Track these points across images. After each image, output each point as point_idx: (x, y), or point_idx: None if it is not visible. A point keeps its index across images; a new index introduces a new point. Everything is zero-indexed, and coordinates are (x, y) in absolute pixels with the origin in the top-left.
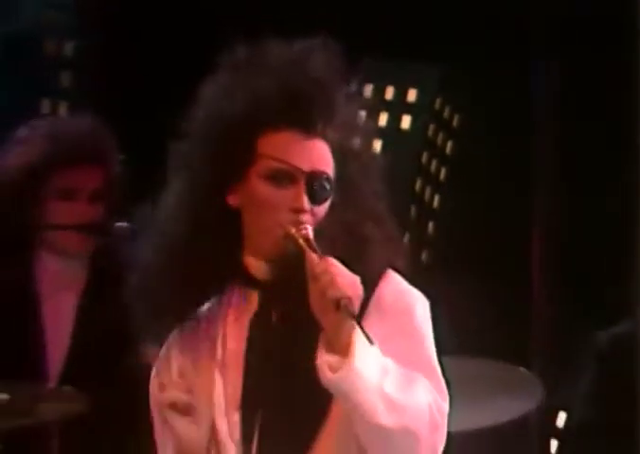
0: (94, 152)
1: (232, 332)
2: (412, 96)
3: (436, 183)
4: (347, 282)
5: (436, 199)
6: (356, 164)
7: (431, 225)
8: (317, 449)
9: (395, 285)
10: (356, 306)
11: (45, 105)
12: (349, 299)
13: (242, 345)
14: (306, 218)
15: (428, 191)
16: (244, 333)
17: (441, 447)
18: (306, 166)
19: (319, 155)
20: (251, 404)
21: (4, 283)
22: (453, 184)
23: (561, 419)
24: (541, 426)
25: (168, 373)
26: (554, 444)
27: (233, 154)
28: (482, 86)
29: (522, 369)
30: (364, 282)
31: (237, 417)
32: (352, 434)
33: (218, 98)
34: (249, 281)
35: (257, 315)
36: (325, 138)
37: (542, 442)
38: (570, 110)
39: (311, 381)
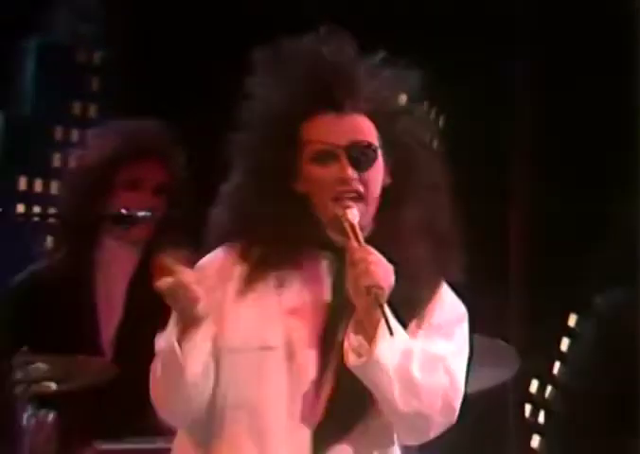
0: (158, 148)
1: (310, 287)
2: (402, 100)
3: None
4: (382, 272)
5: None
6: (400, 123)
7: None
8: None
9: (448, 296)
10: (386, 296)
11: (76, 107)
12: (381, 288)
13: (324, 295)
14: (355, 186)
15: None
16: (324, 288)
17: (453, 420)
18: (343, 141)
19: (354, 128)
20: (330, 340)
21: (66, 264)
22: None
23: (534, 386)
24: (516, 392)
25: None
26: (528, 408)
27: (282, 146)
28: (464, 93)
29: (499, 341)
30: (419, 288)
31: (314, 353)
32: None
33: (259, 99)
34: (325, 248)
35: (335, 280)
36: (359, 111)
37: (517, 407)
38: (541, 109)
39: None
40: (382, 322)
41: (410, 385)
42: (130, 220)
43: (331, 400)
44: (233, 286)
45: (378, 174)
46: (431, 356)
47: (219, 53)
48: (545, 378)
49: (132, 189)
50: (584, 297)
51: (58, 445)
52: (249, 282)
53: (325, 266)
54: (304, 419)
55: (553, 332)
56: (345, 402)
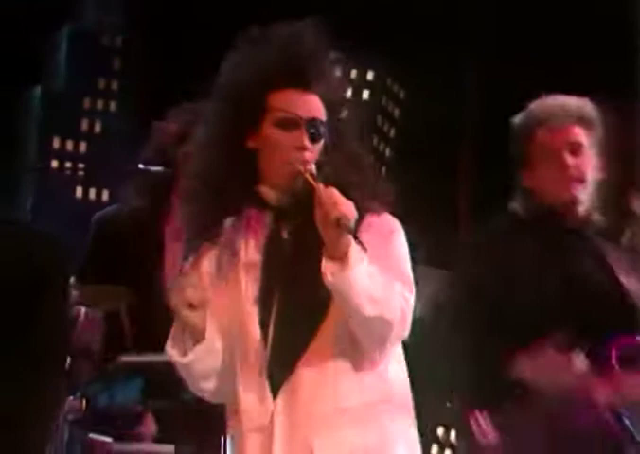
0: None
1: (251, 245)
2: (370, 76)
3: (387, 139)
4: (345, 206)
5: (387, 150)
6: (341, 112)
7: (384, 169)
8: (319, 335)
9: (380, 214)
10: (351, 225)
11: (101, 82)
12: (347, 218)
13: (259, 255)
14: (307, 154)
15: (382, 145)
16: (261, 246)
17: (406, 333)
18: (305, 115)
19: (314, 106)
20: (266, 300)
21: (146, 210)
22: (399, 140)
23: None
24: None
25: (195, 275)
26: None
27: (247, 107)
28: (422, 69)
29: (443, 271)
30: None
31: (255, 309)
32: (345, 323)
33: (234, 68)
34: (264, 206)
35: (270, 232)
36: (318, 93)
37: None
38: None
39: (315, 284)
40: (352, 246)
41: (375, 296)
42: None
43: (275, 342)
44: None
45: (319, 148)
46: (386, 275)
47: (223, 35)
48: None
49: None
50: None
51: (102, 339)
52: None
53: (262, 223)
54: (257, 362)
55: None
56: (287, 341)
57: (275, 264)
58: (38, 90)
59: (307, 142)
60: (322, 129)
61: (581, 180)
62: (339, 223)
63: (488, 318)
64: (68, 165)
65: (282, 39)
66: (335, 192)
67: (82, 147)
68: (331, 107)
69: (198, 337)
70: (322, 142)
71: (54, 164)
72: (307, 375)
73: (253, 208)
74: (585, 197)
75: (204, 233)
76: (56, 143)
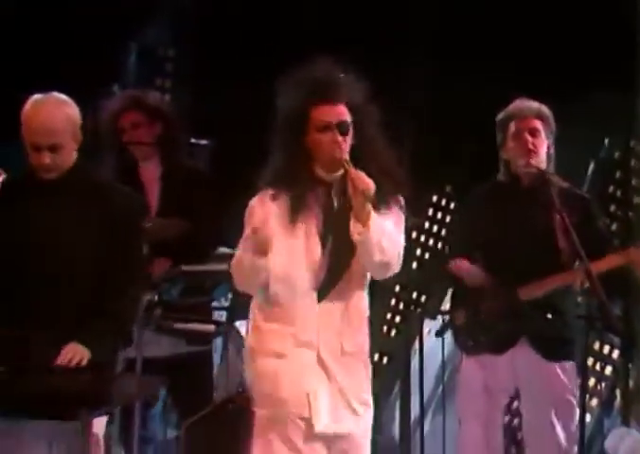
0: None
1: (314, 205)
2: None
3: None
4: (368, 183)
5: None
6: (364, 115)
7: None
8: (352, 266)
9: (394, 196)
10: (371, 195)
11: (158, 81)
12: (370, 191)
13: (321, 213)
14: (340, 145)
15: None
16: (320, 206)
17: (399, 267)
18: (335, 120)
19: (341, 113)
20: (324, 241)
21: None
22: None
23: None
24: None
25: (262, 214)
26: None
27: (298, 121)
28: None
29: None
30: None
31: (319, 246)
32: (363, 266)
33: (286, 95)
34: (320, 181)
35: (325, 198)
36: (344, 103)
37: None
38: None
39: (350, 240)
40: (372, 214)
41: (383, 248)
42: None
43: (329, 266)
44: (273, 216)
45: (349, 137)
46: (391, 229)
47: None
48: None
49: None
50: None
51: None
52: (284, 217)
53: (320, 193)
54: (315, 279)
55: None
56: (336, 265)
57: (329, 218)
58: (116, 86)
59: (338, 138)
60: (348, 126)
61: (536, 152)
62: (364, 194)
63: (457, 244)
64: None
65: (314, 72)
66: (361, 173)
67: None
68: (355, 110)
69: (259, 253)
70: (350, 134)
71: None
72: (341, 290)
73: (312, 185)
74: (540, 165)
75: (283, 185)
76: None
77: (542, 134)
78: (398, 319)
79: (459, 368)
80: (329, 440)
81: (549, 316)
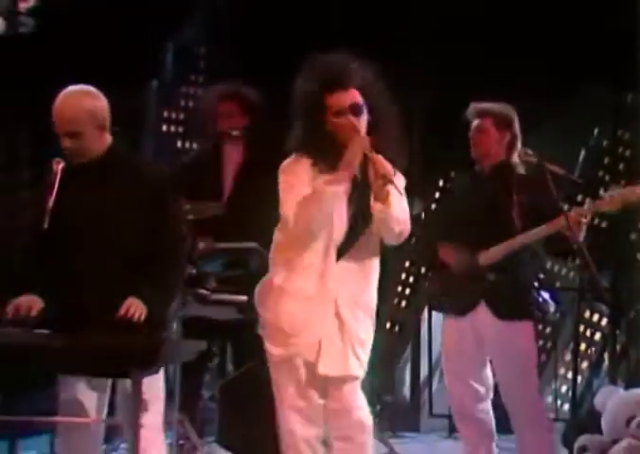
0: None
1: (337, 181)
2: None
3: None
4: (388, 166)
5: None
6: (377, 96)
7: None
8: (367, 231)
9: (396, 173)
10: (391, 178)
11: (192, 76)
12: (390, 174)
13: (347, 185)
14: (355, 124)
15: None
16: (348, 185)
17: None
18: (348, 103)
19: (354, 96)
20: (348, 203)
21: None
22: None
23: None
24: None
25: (300, 170)
26: None
27: (316, 108)
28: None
29: None
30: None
31: (345, 206)
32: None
33: (303, 84)
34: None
35: (354, 179)
36: (356, 87)
37: None
38: None
39: (367, 203)
40: (391, 192)
41: (399, 220)
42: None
43: (349, 228)
44: (308, 176)
45: (364, 116)
46: (404, 204)
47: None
48: None
49: None
50: None
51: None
52: (315, 179)
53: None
54: (337, 237)
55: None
56: (356, 230)
57: (354, 186)
58: (155, 81)
59: (352, 119)
60: (361, 107)
61: (481, 148)
62: (384, 177)
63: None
64: (172, 128)
65: (330, 61)
66: (381, 158)
67: (181, 116)
68: (365, 92)
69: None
70: (364, 114)
71: (164, 127)
72: (358, 251)
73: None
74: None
75: (311, 151)
76: (165, 113)
77: (491, 130)
78: (408, 291)
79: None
80: (330, 383)
81: (505, 278)
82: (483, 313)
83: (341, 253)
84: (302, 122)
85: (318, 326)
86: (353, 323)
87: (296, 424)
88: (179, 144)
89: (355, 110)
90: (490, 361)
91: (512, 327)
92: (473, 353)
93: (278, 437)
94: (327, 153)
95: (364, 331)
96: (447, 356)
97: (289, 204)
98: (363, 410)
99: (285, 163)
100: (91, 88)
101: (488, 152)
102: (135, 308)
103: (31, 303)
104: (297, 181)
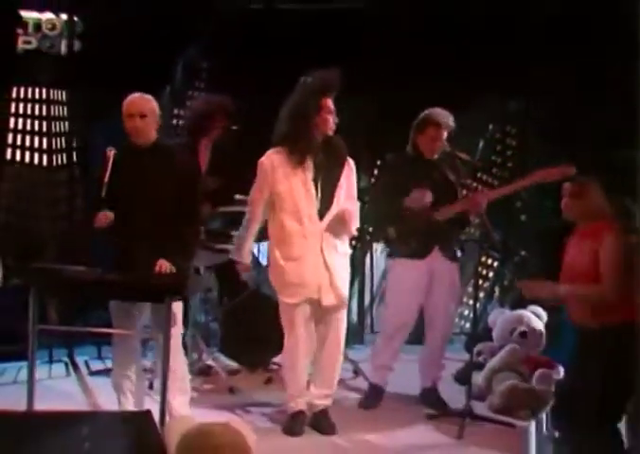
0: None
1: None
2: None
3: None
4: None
5: None
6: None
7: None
8: (335, 201)
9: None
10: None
11: (197, 83)
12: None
13: (313, 166)
14: (332, 121)
15: None
16: (311, 163)
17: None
18: (331, 106)
19: (331, 103)
20: (315, 183)
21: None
22: None
23: None
24: None
25: (270, 165)
26: None
27: (315, 105)
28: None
29: None
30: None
31: (312, 187)
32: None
33: (302, 90)
34: (315, 144)
35: (315, 161)
36: (334, 95)
37: None
38: None
39: (332, 180)
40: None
41: (354, 214)
42: None
43: (321, 198)
44: (280, 168)
45: (335, 116)
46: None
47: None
48: None
49: None
50: None
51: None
52: (287, 166)
53: (315, 151)
54: (313, 205)
55: None
56: (325, 198)
57: (317, 170)
58: (168, 87)
59: (333, 118)
60: (335, 110)
61: (439, 146)
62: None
63: (382, 192)
64: (180, 122)
65: (329, 74)
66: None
67: (186, 113)
68: (334, 99)
69: None
70: (335, 114)
71: (174, 121)
72: (332, 210)
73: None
74: (439, 150)
75: (289, 144)
76: (175, 111)
77: (442, 138)
78: (354, 242)
79: (389, 271)
80: (326, 313)
81: (451, 230)
82: (436, 255)
83: (322, 213)
84: (294, 120)
85: (314, 275)
86: (337, 268)
87: (299, 351)
88: (185, 133)
89: (334, 112)
90: (431, 291)
91: (452, 266)
92: (424, 286)
93: (273, 350)
94: (306, 145)
95: (345, 271)
96: (397, 290)
97: (284, 186)
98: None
99: (261, 159)
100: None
101: (436, 151)
102: (165, 267)
103: (107, 215)
104: (280, 166)
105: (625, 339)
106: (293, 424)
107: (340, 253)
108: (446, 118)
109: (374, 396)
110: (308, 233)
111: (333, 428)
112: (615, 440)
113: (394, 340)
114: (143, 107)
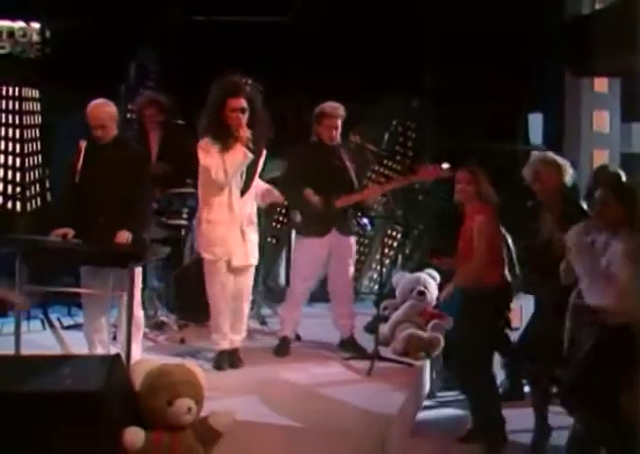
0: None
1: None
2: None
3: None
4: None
5: None
6: (255, 101)
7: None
8: (254, 179)
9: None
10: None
11: (148, 83)
12: (248, 139)
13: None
14: (241, 120)
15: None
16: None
17: None
18: (238, 106)
19: (242, 102)
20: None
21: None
22: None
23: None
24: None
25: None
26: None
27: (220, 105)
28: None
29: None
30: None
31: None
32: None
33: (215, 90)
34: (237, 135)
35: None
36: (244, 97)
37: None
38: None
39: (254, 163)
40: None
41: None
42: None
43: (245, 178)
44: (214, 150)
45: (247, 114)
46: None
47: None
48: None
49: None
50: None
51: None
52: (218, 150)
53: (238, 141)
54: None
55: None
56: (248, 178)
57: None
58: (123, 86)
59: (240, 115)
60: (246, 109)
61: (336, 135)
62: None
63: (290, 178)
64: (133, 116)
65: (230, 80)
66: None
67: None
68: (250, 100)
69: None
70: (247, 113)
71: (128, 115)
72: (250, 193)
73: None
74: (337, 136)
75: (211, 132)
76: (129, 106)
77: (339, 126)
78: (281, 218)
79: (295, 247)
80: (238, 271)
81: (343, 214)
82: (334, 234)
83: (243, 193)
84: (209, 115)
85: (231, 239)
86: (250, 234)
87: (220, 297)
88: (135, 126)
89: (242, 110)
90: (331, 261)
91: (348, 240)
92: (324, 258)
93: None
94: (222, 135)
95: (255, 237)
96: (301, 262)
97: (208, 161)
98: (251, 284)
99: (201, 141)
100: (107, 100)
101: (335, 138)
102: (125, 237)
103: (68, 231)
104: (211, 150)
105: (494, 299)
106: (219, 360)
107: (253, 222)
108: (337, 109)
109: (285, 346)
110: (230, 203)
111: (242, 363)
112: (487, 375)
113: (299, 300)
114: (102, 119)
